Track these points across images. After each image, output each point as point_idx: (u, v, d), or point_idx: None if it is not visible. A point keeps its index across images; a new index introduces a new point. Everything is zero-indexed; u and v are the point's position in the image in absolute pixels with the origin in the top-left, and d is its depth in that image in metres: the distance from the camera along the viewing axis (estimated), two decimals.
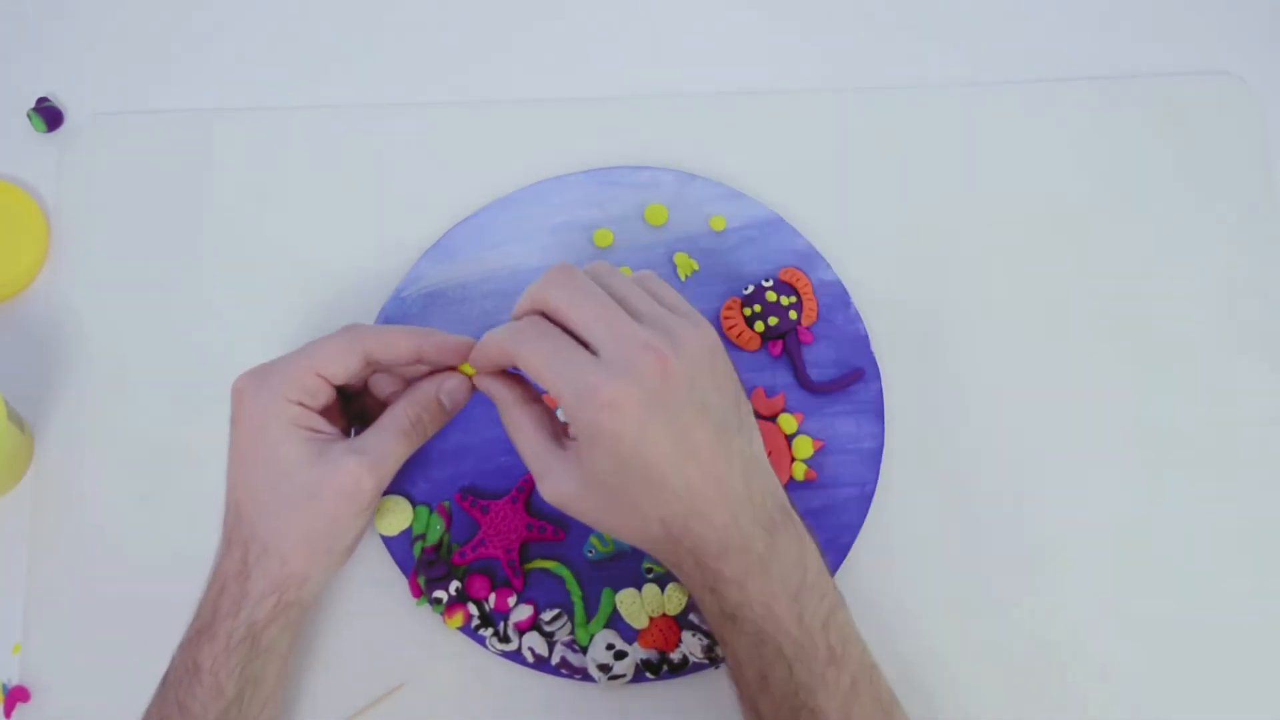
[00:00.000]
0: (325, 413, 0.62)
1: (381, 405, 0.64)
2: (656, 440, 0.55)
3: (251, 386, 0.61)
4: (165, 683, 0.60)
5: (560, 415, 0.62)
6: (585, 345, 0.56)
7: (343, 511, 0.60)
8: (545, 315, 0.58)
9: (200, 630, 0.60)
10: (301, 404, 0.60)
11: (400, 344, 0.62)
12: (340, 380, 0.61)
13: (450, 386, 0.62)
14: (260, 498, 0.60)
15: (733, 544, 0.56)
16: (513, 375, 0.62)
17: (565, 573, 0.68)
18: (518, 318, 0.59)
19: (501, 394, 0.61)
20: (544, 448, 0.59)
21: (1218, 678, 0.68)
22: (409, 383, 0.64)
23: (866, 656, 0.59)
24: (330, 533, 0.61)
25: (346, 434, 0.65)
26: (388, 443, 0.61)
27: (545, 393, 0.60)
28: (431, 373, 0.63)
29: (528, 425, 0.60)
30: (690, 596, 0.60)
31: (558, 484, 0.58)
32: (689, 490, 0.56)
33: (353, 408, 0.66)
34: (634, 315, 0.57)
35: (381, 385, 0.64)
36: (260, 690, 0.61)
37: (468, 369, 0.63)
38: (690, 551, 0.57)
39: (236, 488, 0.61)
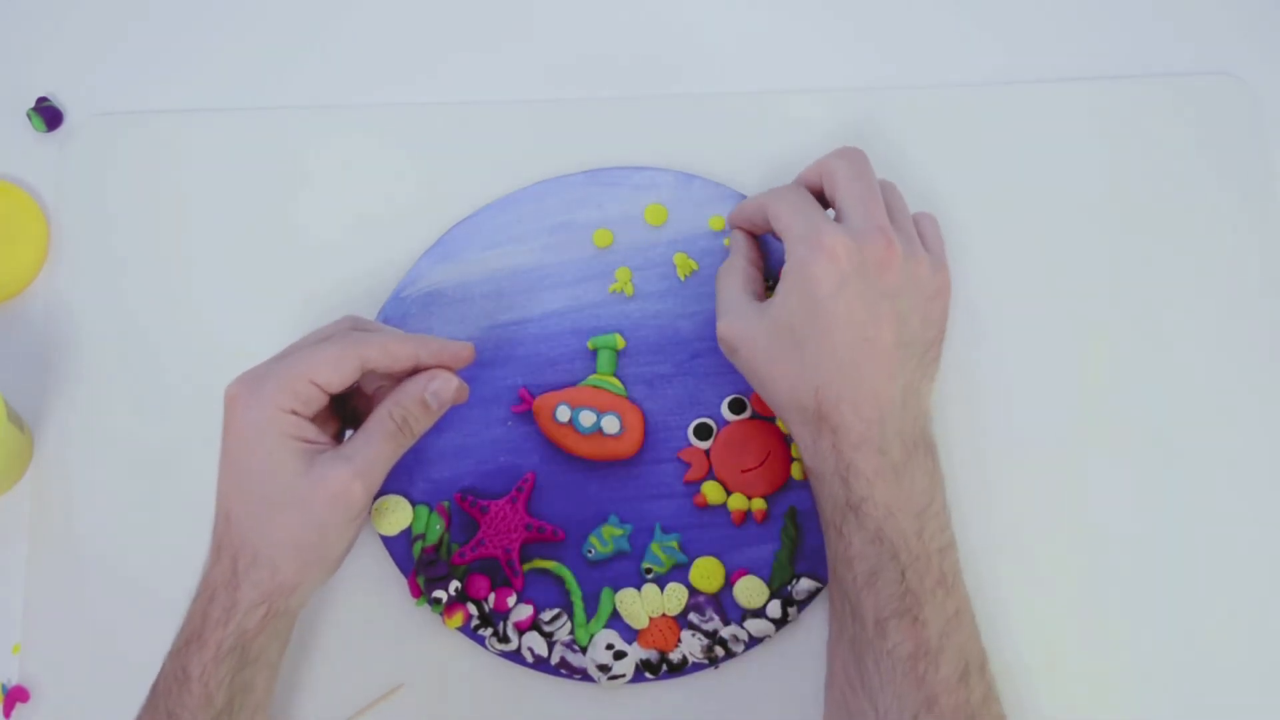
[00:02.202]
0: (318, 416, 0.62)
1: (373, 404, 0.63)
2: (849, 305, 0.59)
3: (244, 394, 0.60)
4: (155, 691, 0.60)
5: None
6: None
7: (333, 520, 0.59)
8: (823, 184, 0.65)
9: (189, 639, 0.59)
10: (295, 412, 0.59)
11: (398, 352, 0.61)
12: (335, 389, 0.60)
13: (437, 386, 0.61)
14: (251, 507, 0.59)
15: (872, 440, 0.59)
16: (757, 241, 0.68)
17: (565, 573, 0.68)
18: (803, 180, 0.66)
19: (739, 244, 0.67)
20: (740, 293, 0.64)
21: (1218, 678, 0.68)
22: (396, 379, 0.63)
23: (970, 603, 0.61)
24: (321, 542, 0.60)
25: (340, 435, 0.65)
26: (375, 447, 0.60)
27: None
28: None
29: (737, 274, 0.65)
30: (814, 489, 0.62)
31: (738, 321, 0.63)
32: (854, 369, 0.59)
33: (346, 407, 0.65)
34: (889, 212, 0.63)
35: (369, 381, 0.64)
36: (250, 699, 0.60)
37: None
38: (833, 431, 0.59)
39: (227, 496, 0.60)
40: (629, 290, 0.72)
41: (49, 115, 0.75)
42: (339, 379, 0.60)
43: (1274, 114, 0.76)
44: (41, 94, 0.76)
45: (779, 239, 0.63)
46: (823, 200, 0.66)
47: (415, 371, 0.62)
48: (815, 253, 0.60)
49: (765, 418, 0.70)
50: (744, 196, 0.73)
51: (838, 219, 0.63)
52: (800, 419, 0.61)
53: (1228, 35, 0.77)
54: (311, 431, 0.60)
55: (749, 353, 0.62)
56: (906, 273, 0.61)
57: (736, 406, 0.70)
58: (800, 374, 0.60)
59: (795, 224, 0.62)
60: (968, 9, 0.78)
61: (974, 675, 0.59)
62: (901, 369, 0.61)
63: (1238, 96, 0.76)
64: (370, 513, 0.63)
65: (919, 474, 0.60)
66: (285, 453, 0.59)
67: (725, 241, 0.72)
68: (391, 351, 0.61)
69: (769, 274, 0.69)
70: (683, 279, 0.72)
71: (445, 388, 0.61)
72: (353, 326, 0.63)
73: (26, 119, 0.75)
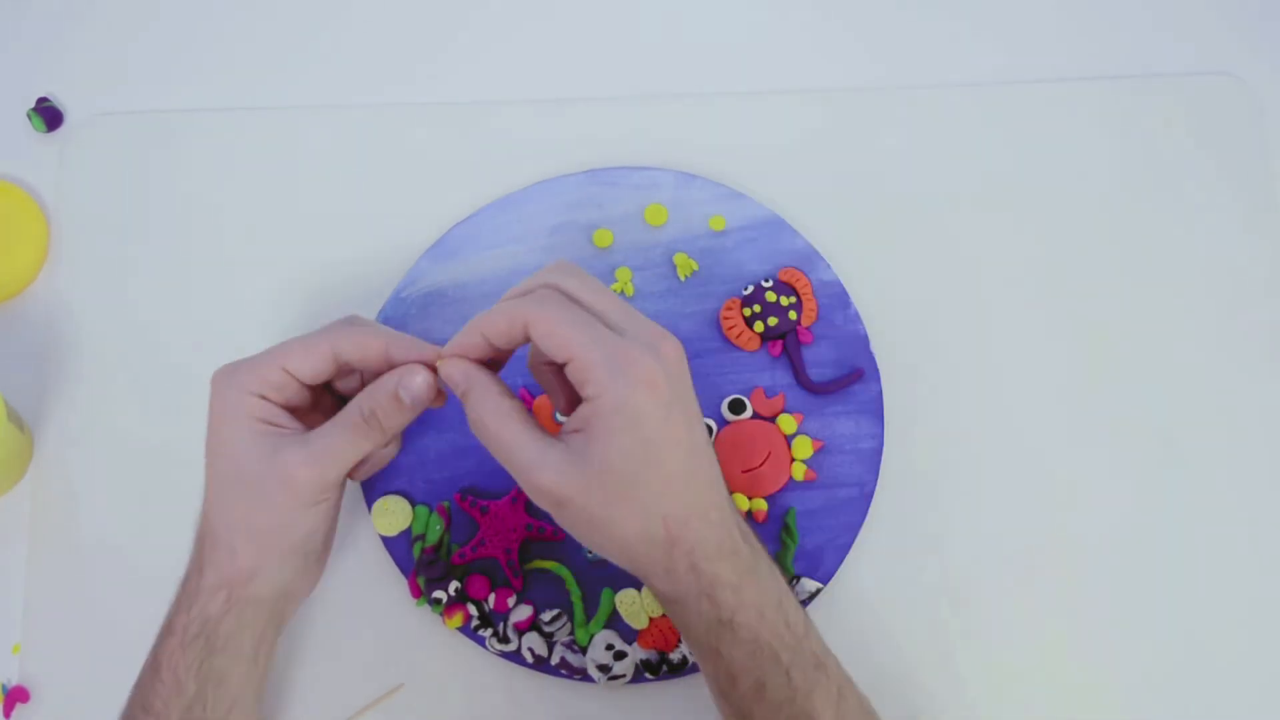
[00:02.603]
0: (298, 410, 0.61)
1: None
2: (676, 427, 0.55)
3: (219, 379, 0.60)
4: (135, 685, 0.60)
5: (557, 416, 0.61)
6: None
7: (285, 505, 0.59)
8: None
9: (162, 627, 0.60)
10: (264, 397, 0.59)
11: (370, 345, 0.60)
12: (308, 377, 0.60)
13: (410, 381, 0.59)
14: (218, 490, 0.60)
15: (726, 546, 0.57)
16: (479, 364, 0.59)
17: (565, 573, 0.68)
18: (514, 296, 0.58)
19: (478, 380, 0.58)
20: (536, 439, 0.56)
21: (1219, 678, 0.68)
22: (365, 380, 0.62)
23: (841, 669, 0.59)
24: (275, 527, 0.60)
25: None
26: (335, 437, 0.59)
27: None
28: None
29: (513, 414, 0.57)
30: (678, 616, 0.58)
31: (555, 476, 0.55)
32: (693, 486, 0.56)
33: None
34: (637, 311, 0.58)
35: (348, 383, 0.64)
36: (224, 690, 0.59)
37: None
38: (688, 554, 0.56)
39: (206, 480, 0.61)
40: (629, 290, 0.72)
41: (49, 115, 0.75)
42: (310, 367, 0.60)
43: (1274, 114, 0.76)
44: (41, 94, 0.76)
45: (556, 359, 0.56)
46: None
47: (389, 368, 0.61)
48: (635, 389, 0.54)
49: (765, 418, 0.70)
50: (744, 196, 0.72)
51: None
52: (650, 552, 0.56)
53: (1228, 35, 0.77)
54: (281, 417, 0.60)
55: (582, 503, 0.55)
56: (686, 363, 0.57)
57: (736, 407, 0.70)
58: (645, 510, 0.55)
59: (592, 350, 0.54)
60: (968, 9, 0.78)
61: None
62: (715, 468, 0.58)
63: (1238, 96, 0.76)
64: (337, 503, 0.62)
65: (763, 562, 0.58)
66: (248, 435, 0.59)
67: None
68: (363, 343, 0.60)
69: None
70: (683, 279, 0.72)
71: (420, 384, 0.59)
72: (348, 323, 0.63)
73: (26, 119, 0.75)
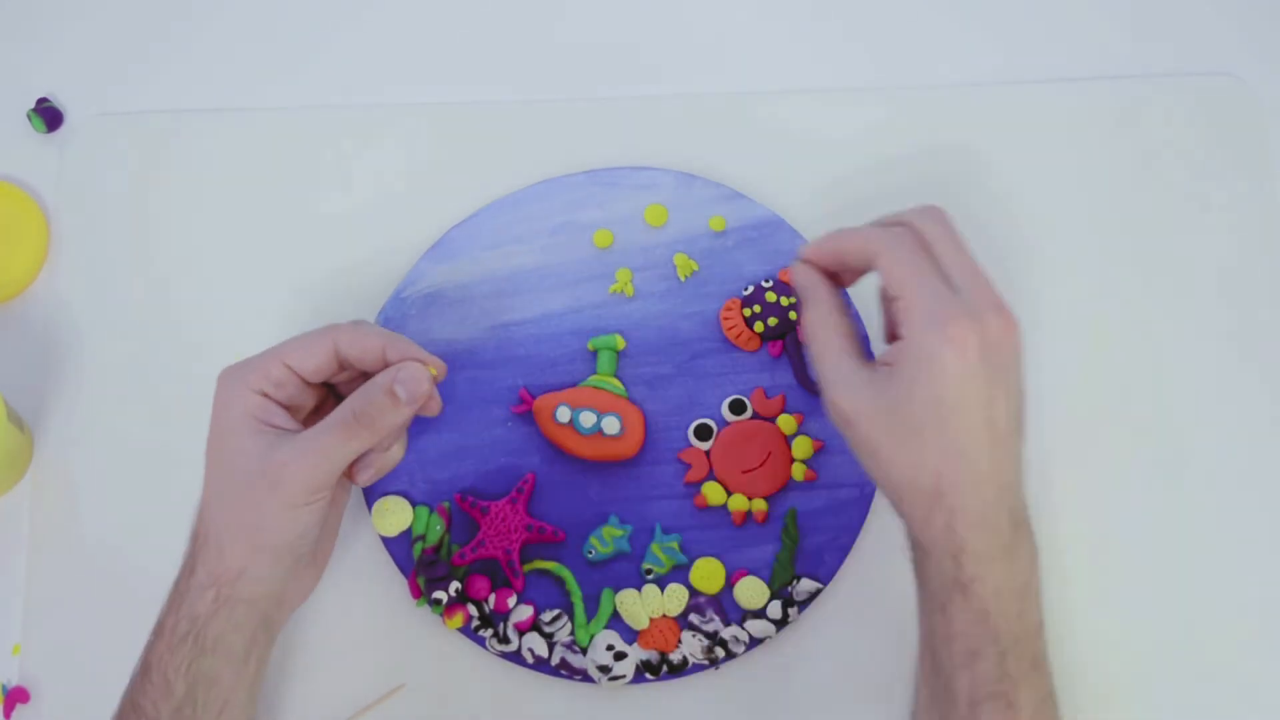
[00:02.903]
0: (300, 411, 0.62)
1: None
2: (976, 393, 0.56)
3: (224, 377, 0.60)
4: (127, 686, 0.60)
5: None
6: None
7: (273, 504, 0.59)
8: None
9: (153, 629, 0.60)
10: (265, 394, 0.60)
11: (369, 342, 0.60)
12: (310, 373, 0.60)
13: (405, 375, 0.59)
14: (213, 488, 0.60)
15: (989, 520, 0.57)
16: (830, 282, 0.61)
17: (565, 573, 0.68)
18: (877, 224, 0.60)
19: (820, 291, 0.61)
20: (849, 359, 0.59)
21: (1220, 678, 0.68)
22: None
23: (1053, 682, 0.59)
24: (263, 527, 0.59)
25: None
26: (324, 435, 0.59)
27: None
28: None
29: (838, 333, 0.60)
30: (916, 562, 0.60)
31: (854, 396, 0.57)
32: (976, 453, 0.57)
33: None
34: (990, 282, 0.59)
35: (352, 387, 0.63)
36: (214, 692, 0.59)
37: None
38: (948, 512, 0.57)
39: (204, 478, 0.61)
40: (629, 291, 0.72)
41: (49, 115, 0.75)
42: (311, 362, 0.60)
43: (1274, 114, 0.76)
44: (41, 94, 0.76)
45: (890, 294, 0.58)
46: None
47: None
48: (944, 345, 0.55)
49: (765, 418, 0.70)
50: (744, 196, 0.72)
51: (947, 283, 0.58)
52: (914, 499, 0.58)
53: (1228, 35, 0.77)
54: (280, 417, 0.60)
55: (866, 430, 0.58)
56: (1017, 344, 0.58)
57: (737, 407, 0.70)
58: (921, 459, 0.57)
59: (919, 297, 0.57)
60: (968, 9, 0.78)
61: None
62: (1013, 442, 0.58)
63: (1238, 96, 0.76)
64: (328, 506, 0.61)
65: (1024, 548, 0.58)
66: (246, 433, 0.59)
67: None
68: (361, 340, 0.60)
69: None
70: (683, 279, 0.72)
71: (415, 377, 0.59)
72: (350, 322, 0.63)
73: (26, 119, 0.75)
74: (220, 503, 0.60)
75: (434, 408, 0.62)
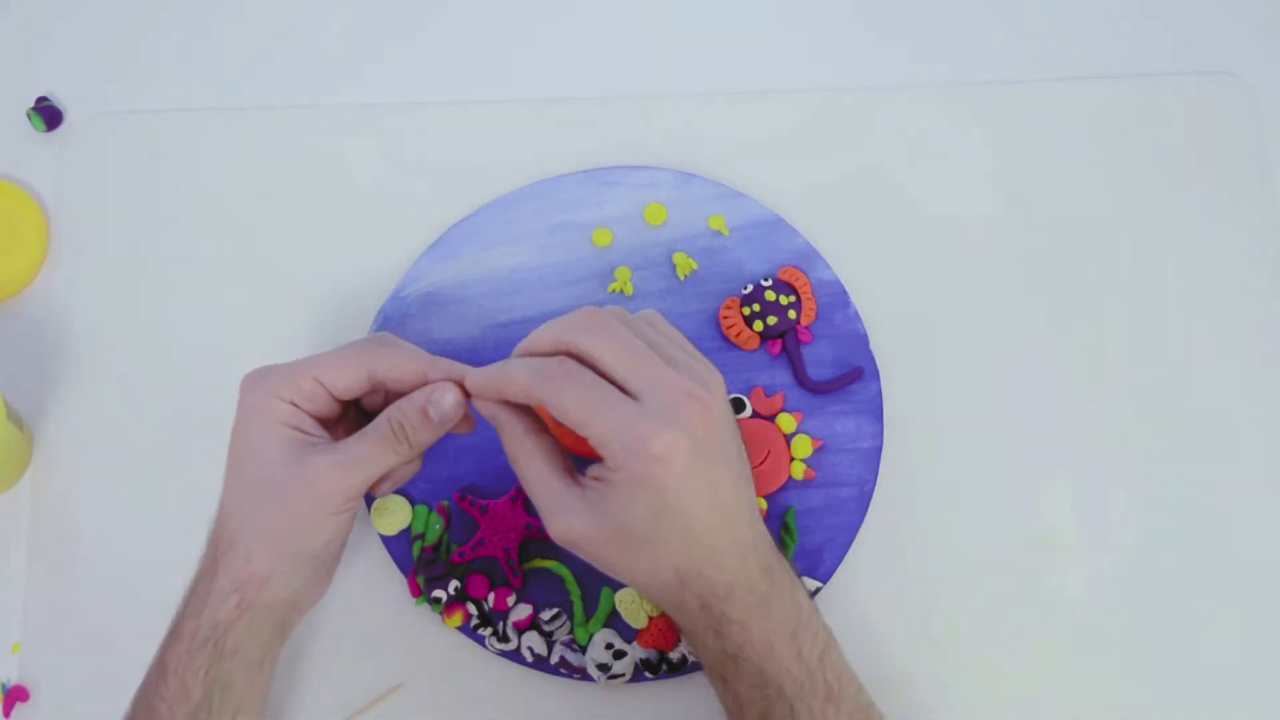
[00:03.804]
0: (328, 421, 0.61)
1: None
2: (696, 491, 0.55)
3: (250, 382, 0.60)
4: (141, 686, 0.60)
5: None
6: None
7: (307, 511, 0.59)
8: (574, 357, 0.57)
9: (170, 630, 0.60)
10: (294, 404, 0.59)
11: (407, 367, 0.60)
12: (341, 391, 0.60)
13: (440, 399, 0.59)
14: (237, 492, 0.60)
15: (739, 585, 0.57)
16: (518, 404, 0.59)
17: (564, 572, 0.68)
18: (531, 353, 0.58)
19: (510, 422, 0.59)
20: (558, 484, 0.58)
21: (1219, 678, 0.68)
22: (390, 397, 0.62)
23: (862, 695, 0.59)
24: (294, 533, 0.59)
25: None
26: (363, 447, 0.59)
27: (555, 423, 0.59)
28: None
29: (539, 458, 0.58)
30: (688, 643, 0.60)
31: (572, 524, 0.57)
32: (710, 537, 0.56)
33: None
34: (665, 360, 0.56)
35: (373, 399, 0.63)
36: (229, 697, 0.59)
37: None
38: (697, 595, 0.57)
39: (226, 483, 0.60)
40: (629, 290, 0.72)
41: (49, 115, 0.75)
42: (343, 382, 0.60)
43: (1274, 114, 0.76)
44: (41, 94, 0.76)
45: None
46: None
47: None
48: (652, 466, 0.54)
49: (765, 417, 0.70)
50: (744, 196, 0.72)
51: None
52: (662, 594, 0.58)
53: (1228, 35, 0.77)
54: (309, 425, 0.60)
55: (594, 552, 0.57)
56: (717, 413, 0.56)
57: (736, 406, 0.70)
58: (655, 563, 0.57)
59: (605, 430, 0.55)
60: (968, 9, 0.78)
61: None
62: (743, 501, 0.58)
63: (1238, 96, 0.76)
64: (355, 514, 0.62)
65: (783, 591, 0.58)
66: (277, 439, 0.59)
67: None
68: (400, 365, 0.60)
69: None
70: (682, 279, 0.72)
71: (450, 402, 0.59)
72: (381, 342, 0.63)
73: (26, 119, 0.75)
74: (248, 509, 0.59)
75: (465, 428, 0.62)
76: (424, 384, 0.60)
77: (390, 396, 0.62)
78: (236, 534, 0.59)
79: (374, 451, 0.59)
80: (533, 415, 0.60)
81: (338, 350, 0.61)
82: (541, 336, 0.58)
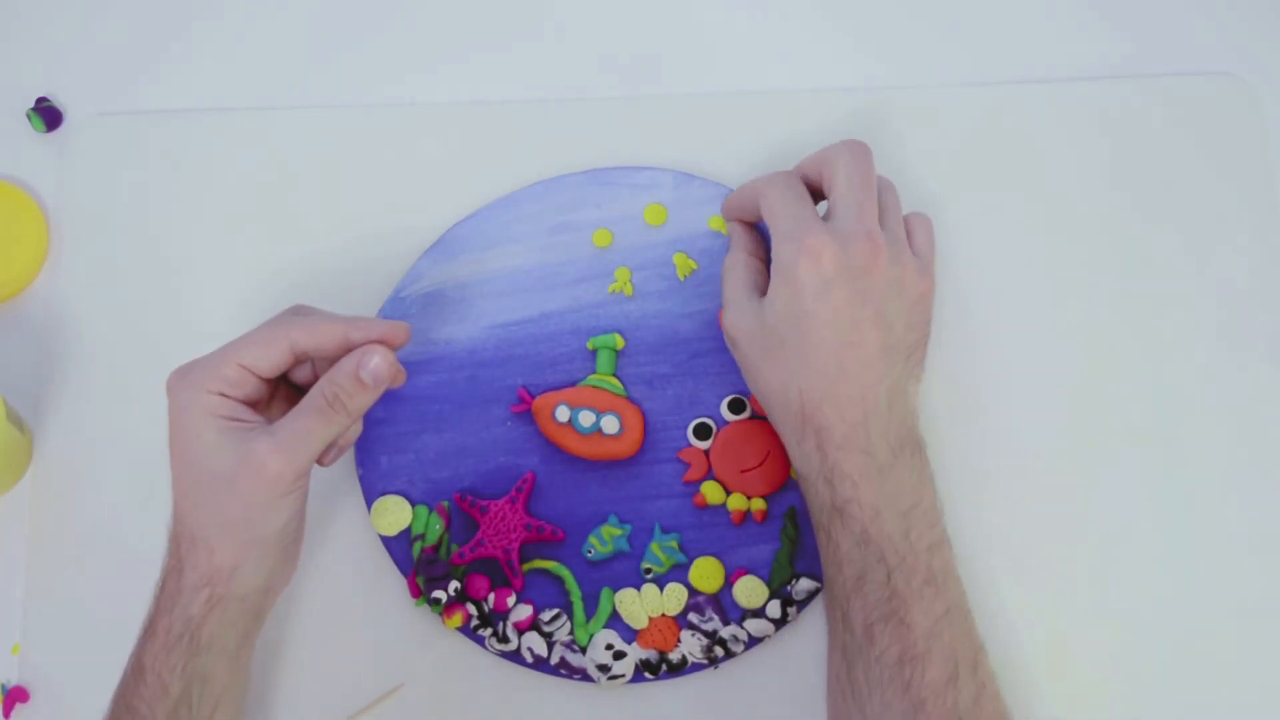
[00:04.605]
0: (257, 404, 0.61)
1: None
2: (834, 307, 0.60)
3: (175, 381, 0.60)
4: (118, 687, 0.60)
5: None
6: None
7: (259, 498, 0.59)
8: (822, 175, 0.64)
9: (143, 629, 0.60)
10: (222, 394, 0.59)
11: (326, 332, 0.60)
12: (266, 371, 0.60)
13: (368, 361, 0.59)
14: (185, 490, 0.60)
15: (856, 442, 0.59)
16: (754, 229, 0.67)
17: (565, 573, 0.68)
18: (803, 168, 0.65)
19: (737, 235, 0.67)
20: (744, 286, 0.64)
21: (1220, 676, 0.68)
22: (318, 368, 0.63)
23: (965, 599, 0.61)
24: (250, 521, 0.59)
25: None
26: (301, 423, 0.59)
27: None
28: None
29: (740, 266, 0.65)
30: (803, 490, 0.63)
31: (738, 316, 0.63)
32: (838, 372, 0.60)
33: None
34: (877, 212, 0.63)
35: (302, 372, 0.64)
36: (209, 689, 0.59)
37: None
38: (816, 432, 0.60)
39: (173, 483, 0.60)
40: (629, 290, 0.72)
41: (49, 115, 0.75)
42: (267, 361, 0.60)
43: (1274, 114, 0.75)
44: (41, 94, 0.76)
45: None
46: (820, 192, 0.66)
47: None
48: (799, 254, 0.60)
49: (764, 417, 0.70)
50: None
51: (829, 216, 0.63)
52: (785, 419, 0.62)
53: (1228, 35, 0.77)
54: (242, 412, 0.60)
55: (745, 348, 0.63)
56: (891, 277, 0.61)
57: (736, 406, 0.70)
58: (786, 374, 0.61)
59: (783, 219, 0.62)
60: (967, 9, 0.78)
61: (964, 676, 0.59)
62: (887, 372, 0.61)
63: (1238, 96, 0.76)
64: (306, 490, 0.62)
65: (905, 473, 0.60)
66: (213, 432, 0.59)
67: (724, 230, 0.72)
68: (319, 331, 0.60)
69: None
70: (682, 279, 0.72)
71: (382, 364, 0.59)
72: (296, 312, 0.63)
73: (26, 119, 0.75)
74: (200, 504, 0.59)
75: (400, 379, 0.62)
76: (346, 346, 0.60)
77: (317, 366, 0.63)
78: (196, 530, 0.59)
79: (313, 426, 0.59)
80: (758, 240, 0.67)
81: (254, 331, 0.61)
82: (818, 153, 0.65)
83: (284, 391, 0.64)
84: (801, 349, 0.60)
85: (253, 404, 0.61)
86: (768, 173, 0.66)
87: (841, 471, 0.60)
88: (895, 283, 0.62)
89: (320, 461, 0.63)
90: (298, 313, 0.63)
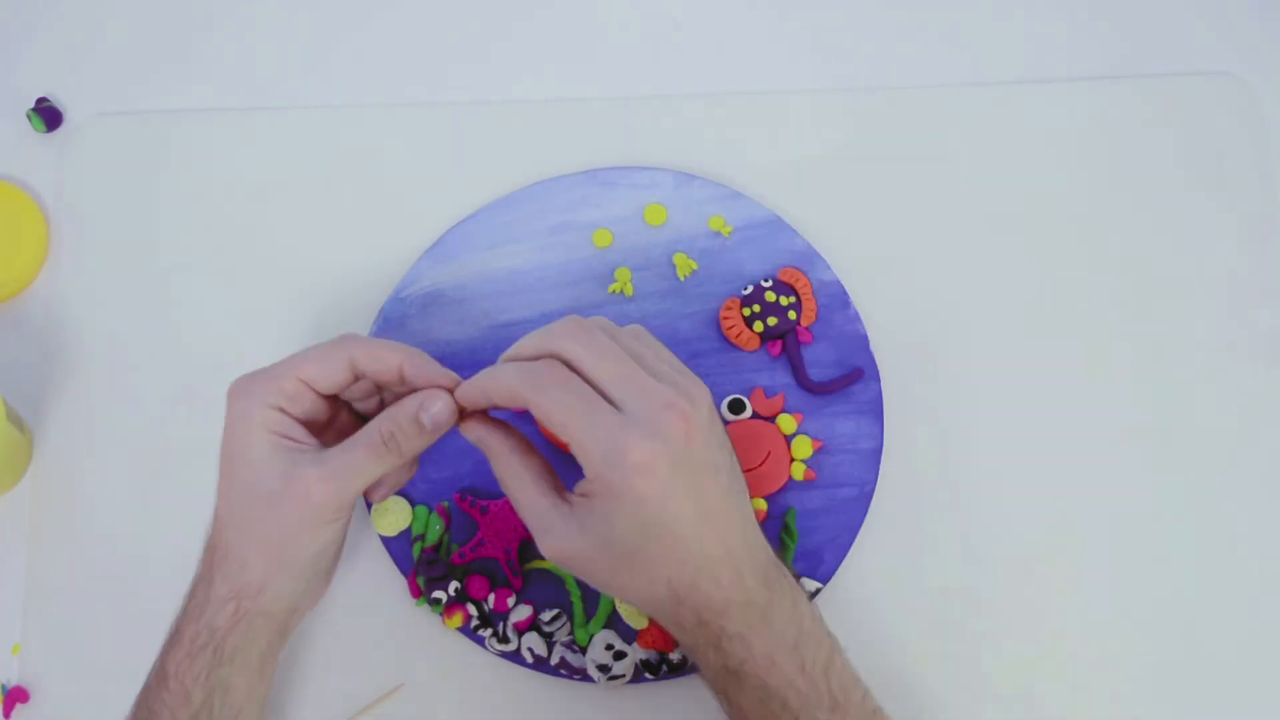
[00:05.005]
0: (315, 426, 0.61)
1: None
2: (680, 502, 0.55)
3: (237, 389, 0.60)
4: (141, 690, 0.60)
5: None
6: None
7: (300, 521, 0.59)
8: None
9: (169, 634, 0.60)
10: (281, 409, 0.59)
11: (387, 358, 0.60)
12: (325, 387, 0.60)
13: (433, 408, 0.59)
14: (230, 501, 0.59)
15: (735, 599, 0.57)
16: (502, 422, 0.60)
17: (564, 573, 0.68)
18: (517, 359, 0.58)
19: (496, 442, 0.59)
20: (546, 502, 0.58)
21: (1220, 675, 0.68)
22: (386, 401, 0.62)
23: (868, 701, 0.59)
24: (286, 542, 0.59)
25: None
26: (353, 457, 0.59)
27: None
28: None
29: (527, 477, 0.59)
30: (690, 658, 0.60)
31: (563, 542, 0.57)
32: (701, 550, 0.56)
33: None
34: (649, 372, 0.56)
35: (367, 404, 0.63)
36: (230, 700, 0.59)
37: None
38: (694, 610, 0.57)
39: (219, 491, 0.60)
40: (629, 290, 0.72)
41: (49, 115, 0.75)
42: (326, 376, 0.60)
43: (1274, 114, 0.76)
44: (41, 94, 0.76)
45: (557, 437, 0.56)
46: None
47: (404, 386, 0.61)
48: (632, 476, 0.54)
49: (765, 418, 0.70)
50: (744, 196, 0.72)
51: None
52: (659, 610, 0.58)
53: (1228, 35, 0.77)
54: (298, 431, 0.59)
55: (585, 569, 0.58)
56: (700, 424, 0.56)
57: (736, 407, 0.70)
58: (646, 577, 0.56)
59: (586, 439, 0.55)
60: (968, 9, 0.78)
61: None
62: (733, 513, 0.58)
63: (1238, 96, 0.76)
64: (349, 521, 0.61)
65: (783, 602, 0.58)
66: (266, 447, 0.59)
67: (725, 230, 0.71)
68: (380, 355, 0.60)
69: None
70: (682, 279, 0.72)
71: (443, 411, 0.59)
72: (354, 336, 0.62)
73: (26, 119, 0.75)
74: (240, 517, 0.59)
75: (453, 421, 0.61)
76: (399, 377, 0.60)
77: (386, 398, 0.62)
78: (232, 541, 0.59)
79: (363, 461, 0.59)
80: (519, 435, 0.60)
81: (315, 346, 0.60)
82: (526, 343, 0.58)
83: (344, 419, 0.63)
84: (658, 552, 0.56)
85: (310, 424, 0.61)
86: (499, 364, 0.59)
87: (728, 634, 0.56)
88: (704, 424, 0.56)
89: (369, 496, 0.63)
90: (354, 337, 0.62)
